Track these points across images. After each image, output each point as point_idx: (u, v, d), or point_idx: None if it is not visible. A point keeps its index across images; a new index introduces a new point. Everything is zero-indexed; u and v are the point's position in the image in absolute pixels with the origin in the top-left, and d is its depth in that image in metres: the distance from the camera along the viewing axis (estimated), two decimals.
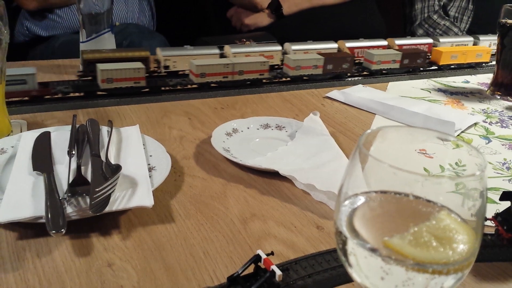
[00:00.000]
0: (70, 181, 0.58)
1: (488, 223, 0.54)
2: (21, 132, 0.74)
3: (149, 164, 0.65)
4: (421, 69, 1.21)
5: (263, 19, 1.78)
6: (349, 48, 1.20)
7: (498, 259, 0.53)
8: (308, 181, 0.64)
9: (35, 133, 0.69)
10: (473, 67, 1.28)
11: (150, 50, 1.00)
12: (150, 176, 0.61)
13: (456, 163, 0.38)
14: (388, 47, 1.25)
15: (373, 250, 0.32)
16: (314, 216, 0.60)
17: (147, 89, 0.93)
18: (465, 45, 1.34)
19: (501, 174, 0.74)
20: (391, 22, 2.03)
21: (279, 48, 1.12)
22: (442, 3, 1.83)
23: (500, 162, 0.78)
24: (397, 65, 1.17)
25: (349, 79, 1.12)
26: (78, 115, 0.82)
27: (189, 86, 0.98)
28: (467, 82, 1.22)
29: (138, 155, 0.66)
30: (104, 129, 0.72)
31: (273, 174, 0.67)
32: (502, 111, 1.03)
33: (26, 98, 0.85)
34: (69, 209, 0.53)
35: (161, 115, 0.87)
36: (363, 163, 0.34)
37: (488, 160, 0.79)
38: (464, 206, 0.33)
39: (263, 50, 1.11)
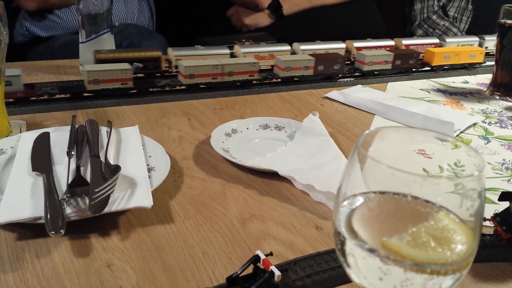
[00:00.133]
0: (69, 181, 0.58)
1: (487, 223, 0.54)
2: (20, 132, 0.74)
3: (148, 165, 0.65)
4: (414, 70, 1.21)
5: (263, 19, 1.78)
6: (357, 48, 1.20)
7: (497, 260, 0.53)
8: (307, 182, 0.64)
9: (35, 133, 0.69)
10: (467, 68, 1.28)
11: None
12: (149, 177, 0.61)
13: (455, 164, 0.38)
14: (395, 47, 1.25)
15: (371, 251, 0.32)
16: (313, 216, 0.60)
17: (134, 90, 0.92)
18: (470, 45, 1.34)
19: (500, 174, 0.74)
20: (391, 22, 2.03)
21: (288, 48, 1.12)
22: (441, 4, 1.83)
23: (499, 163, 0.78)
24: (389, 66, 1.16)
25: (341, 80, 1.11)
26: (77, 116, 0.82)
27: (177, 87, 0.96)
28: (467, 82, 1.22)
29: (137, 155, 0.66)
30: (104, 130, 0.72)
31: (272, 175, 0.67)
32: (501, 111, 1.03)
33: (11, 100, 0.84)
34: (68, 210, 0.53)
35: (161, 115, 0.87)
36: (362, 164, 0.34)
37: (487, 161, 0.79)
38: (462, 206, 0.33)
39: (272, 50, 1.11)
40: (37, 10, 1.51)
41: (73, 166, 0.61)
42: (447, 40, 1.31)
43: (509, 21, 1.05)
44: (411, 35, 1.85)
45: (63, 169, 0.61)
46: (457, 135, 0.88)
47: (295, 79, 1.06)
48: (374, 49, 1.22)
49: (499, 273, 0.52)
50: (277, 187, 0.66)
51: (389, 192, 0.35)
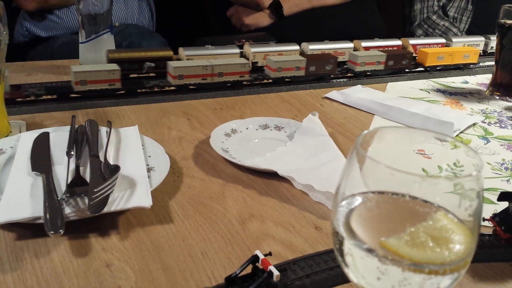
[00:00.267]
0: (69, 181, 0.58)
1: (486, 223, 0.54)
2: (20, 132, 0.74)
3: (147, 165, 0.65)
4: (407, 70, 1.20)
5: (263, 19, 1.78)
6: (365, 48, 1.20)
7: (496, 260, 0.54)
8: (307, 182, 0.64)
9: (34, 133, 0.69)
10: (461, 69, 1.27)
11: None
12: (148, 177, 0.61)
13: (455, 164, 0.38)
14: (402, 47, 1.25)
15: (369, 251, 0.32)
16: (313, 216, 0.60)
17: (122, 91, 0.91)
18: (477, 45, 1.34)
19: (500, 174, 0.74)
20: (391, 23, 2.03)
21: (297, 47, 1.12)
22: (441, 4, 1.83)
23: (498, 163, 0.78)
24: (381, 67, 1.15)
25: (333, 81, 1.10)
26: (77, 116, 0.82)
27: (166, 88, 0.95)
28: (466, 82, 1.22)
29: (137, 155, 0.66)
30: (103, 130, 0.72)
31: (272, 175, 0.67)
32: (501, 111, 1.03)
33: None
34: (67, 210, 0.53)
35: (160, 115, 0.87)
36: (360, 164, 0.34)
37: (487, 161, 0.79)
38: (461, 206, 0.33)
39: (282, 49, 1.11)
40: (37, 10, 1.51)
41: (72, 166, 0.61)
42: (454, 40, 1.31)
43: (508, 21, 1.05)
44: (411, 35, 1.85)
45: (62, 169, 0.62)
46: (456, 135, 0.88)
47: (287, 79, 1.05)
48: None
49: (498, 273, 0.52)
50: (277, 187, 0.66)
51: (387, 192, 0.35)
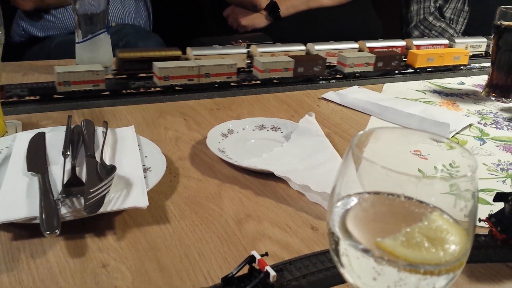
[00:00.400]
0: (65, 181, 0.58)
1: (482, 224, 0.54)
2: (16, 132, 0.73)
3: (144, 165, 0.65)
4: (396, 72, 1.19)
5: (260, 20, 1.78)
6: (370, 48, 1.20)
7: (492, 260, 0.54)
8: (303, 182, 0.64)
9: (30, 133, 0.69)
10: (451, 70, 1.27)
11: None
12: (145, 177, 0.61)
13: (450, 164, 0.38)
14: (406, 48, 1.26)
15: (365, 251, 0.32)
16: (309, 217, 0.60)
17: (107, 92, 0.90)
18: (479, 46, 1.35)
19: (495, 175, 0.75)
20: (388, 24, 2.04)
21: (303, 48, 1.12)
22: (437, 5, 1.83)
23: (494, 164, 0.79)
24: (370, 68, 1.14)
25: (322, 82, 1.10)
26: (73, 116, 0.82)
27: (152, 89, 0.94)
28: (462, 83, 1.22)
29: (133, 156, 0.66)
30: (99, 130, 0.72)
31: (268, 175, 0.67)
32: (497, 112, 1.03)
33: None
34: (63, 210, 0.53)
35: (157, 116, 0.87)
36: (356, 164, 0.34)
37: (483, 162, 0.79)
38: (456, 207, 0.34)
39: (288, 50, 1.10)
40: (33, 10, 1.50)
41: (68, 166, 0.61)
42: (456, 41, 1.31)
43: (505, 23, 1.05)
44: (407, 36, 1.86)
45: (58, 169, 0.61)
46: (452, 136, 0.88)
47: (275, 81, 1.04)
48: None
49: (494, 273, 0.53)
50: (273, 188, 0.66)
51: (383, 192, 0.35)
